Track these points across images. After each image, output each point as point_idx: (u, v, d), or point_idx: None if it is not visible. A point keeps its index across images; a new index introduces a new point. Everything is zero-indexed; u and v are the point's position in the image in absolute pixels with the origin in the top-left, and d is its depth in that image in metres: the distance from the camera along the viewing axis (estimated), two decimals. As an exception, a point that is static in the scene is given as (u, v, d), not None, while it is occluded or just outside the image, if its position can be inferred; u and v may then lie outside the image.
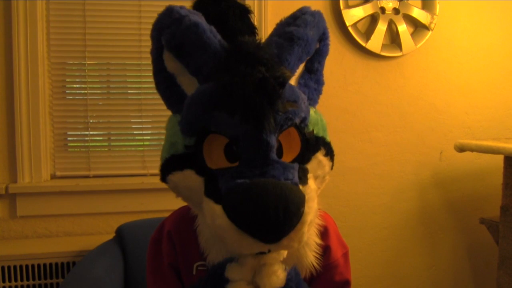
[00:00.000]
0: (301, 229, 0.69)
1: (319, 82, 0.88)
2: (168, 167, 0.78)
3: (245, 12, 0.86)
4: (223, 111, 0.72)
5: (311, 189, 0.74)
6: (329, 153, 0.82)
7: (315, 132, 0.80)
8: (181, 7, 0.77)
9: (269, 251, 0.73)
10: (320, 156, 0.80)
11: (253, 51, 0.73)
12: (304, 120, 0.78)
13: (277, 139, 0.74)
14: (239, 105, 0.70)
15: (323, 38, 0.86)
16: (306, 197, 0.70)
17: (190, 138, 0.76)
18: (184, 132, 0.77)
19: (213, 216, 0.70)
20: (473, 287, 2.07)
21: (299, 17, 0.82)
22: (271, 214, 0.65)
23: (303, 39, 0.79)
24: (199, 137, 0.75)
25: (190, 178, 0.76)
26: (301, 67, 0.84)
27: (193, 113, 0.75)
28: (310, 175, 0.77)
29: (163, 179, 0.81)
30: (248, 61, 0.72)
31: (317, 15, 0.84)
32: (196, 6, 0.84)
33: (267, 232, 0.66)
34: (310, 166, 0.78)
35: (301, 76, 0.85)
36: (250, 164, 0.72)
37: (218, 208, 0.69)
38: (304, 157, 0.77)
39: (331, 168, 0.83)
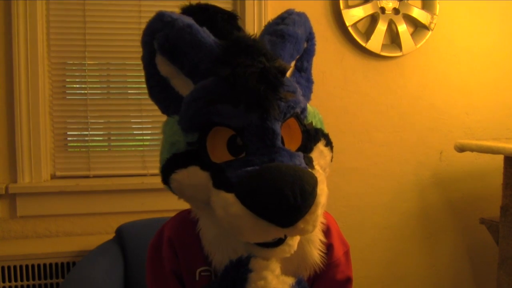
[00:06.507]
0: (315, 211, 0.68)
1: (310, 81, 0.90)
2: (171, 166, 0.77)
3: (233, 17, 0.88)
4: (227, 103, 0.72)
5: (320, 173, 0.75)
6: (329, 144, 0.83)
7: (313, 124, 0.82)
8: (172, 12, 0.78)
9: (285, 237, 0.73)
10: (321, 146, 0.81)
11: (252, 44, 0.75)
12: (303, 111, 0.80)
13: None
14: (243, 95, 0.70)
15: (309, 37, 0.89)
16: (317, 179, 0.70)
17: (192, 134, 0.75)
18: (186, 129, 0.76)
19: (226, 206, 0.68)
20: (473, 287, 2.07)
21: (287, 17, 0.85)
22: (289, 196, 0.64)
23: (293, 36, 0.82)
24: (203, 131, 0.74)
25: (195, 175, 0.74)
26: (291, 66, 0.86)
27: (195, 108, 0.74)
28: (315, 163, 0.78)
29: (165, 180, 0.79)
30: (248, 53, 0.73)
31: (302, 15, 0.88)
32: (183, 13, 0.85)
33: (285, 215, 0.65)
34: (313, 155, 0.79)
35: (292, 74, 0.87)
36: (257, 152, 0.72)
37: (230, 197, 0.68)
38: (306, 148, 0.78)
39: (331, 160, 0.84)
